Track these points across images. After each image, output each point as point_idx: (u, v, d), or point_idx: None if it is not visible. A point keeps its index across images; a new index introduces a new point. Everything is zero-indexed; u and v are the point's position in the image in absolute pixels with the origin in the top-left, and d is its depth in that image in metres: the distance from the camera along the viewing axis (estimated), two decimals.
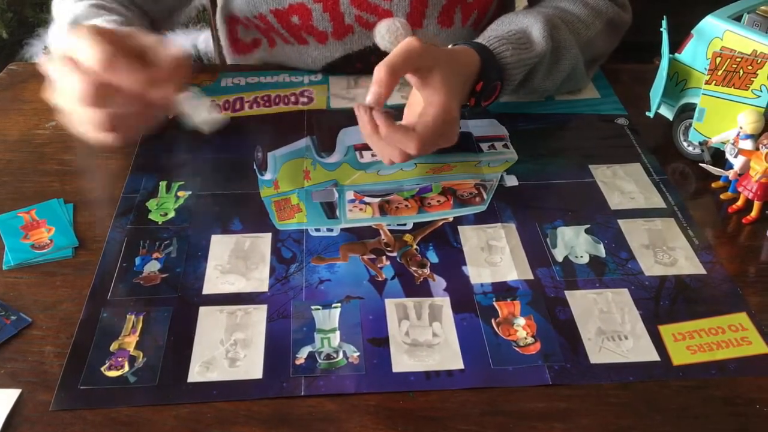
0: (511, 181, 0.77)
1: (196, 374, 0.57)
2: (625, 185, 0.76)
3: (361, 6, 0.90)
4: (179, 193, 0.75)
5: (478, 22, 0.99)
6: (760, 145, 0.70)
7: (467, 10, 0.94)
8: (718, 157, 0.77)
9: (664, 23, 0.77)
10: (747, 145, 0.72)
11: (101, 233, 0.70)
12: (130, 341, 0.59)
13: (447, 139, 0.71)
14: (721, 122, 0.75)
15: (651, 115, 0.83)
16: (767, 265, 0.68)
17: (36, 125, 0.86)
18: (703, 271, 0.66)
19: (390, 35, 0.94)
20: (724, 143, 0.75)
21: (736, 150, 0.73)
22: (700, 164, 0.77)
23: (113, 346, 0.59)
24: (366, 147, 0.80)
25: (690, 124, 0.79)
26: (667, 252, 0.68)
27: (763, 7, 0.81)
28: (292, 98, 0.91)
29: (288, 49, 0.98)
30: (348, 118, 0.84)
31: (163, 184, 0.76)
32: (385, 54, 0.86)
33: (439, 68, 0.69)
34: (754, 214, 0.73)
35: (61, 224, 0.71)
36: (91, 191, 0.76)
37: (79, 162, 0.80)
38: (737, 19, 0.77)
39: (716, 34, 0.76)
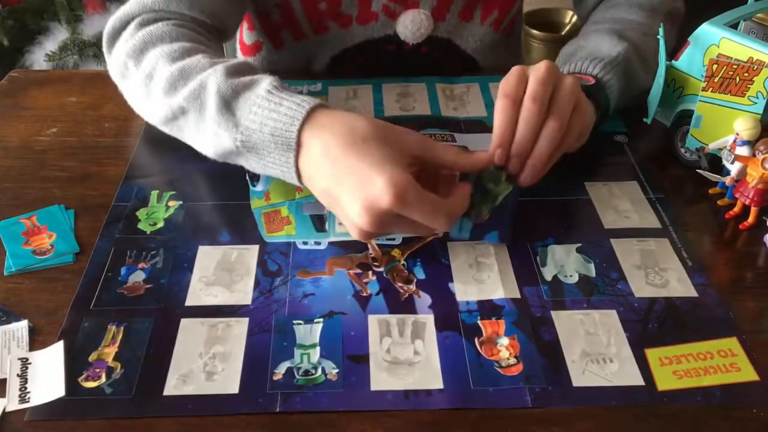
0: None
1: (172, 387, 0.57)
2: (620, 204, 0.75)
3: None
4: (170, 203, 0.75)
5: (499, 23, 1.00)
6: (757, 152, 0.70)
7: (487, 8, 0.97)
8: (715, 163, 0.77)
9: (660, 30, 0.76)
10: (743, 151, 0.72)
11: None
12: (109, 352, 0.59)
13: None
14: (718, 129, 0.75)
15: (648, 121, 0.82)
16: (764, 271, 0.68)
17: (37, 132, 0.87)
18: (694, 294, 0.65)
19: (413, 26, 0.95)
20: (720, 149, 0.75)
21: (733, 156, 0.72)
22: (697, 170, 0.77)
23: (92, 357, 0.59)
24: None
25: (687, 131, 0.78)
26: (659, 273, 0.67)
27: (759, 15, 0.81)
28: None
29: (295, 47, 0.98)
30: None
31: (154, 193, 0.76)
32: (398, 42, 0.88)
33: None
34: (750, 219, 0.72)
35: (62, 230, 0.71)
36: (91, 198, 0.76)
37: (79, 169, 0.81)
38: (734, 26, 0.77)
39: (713, 41, 0.75)
